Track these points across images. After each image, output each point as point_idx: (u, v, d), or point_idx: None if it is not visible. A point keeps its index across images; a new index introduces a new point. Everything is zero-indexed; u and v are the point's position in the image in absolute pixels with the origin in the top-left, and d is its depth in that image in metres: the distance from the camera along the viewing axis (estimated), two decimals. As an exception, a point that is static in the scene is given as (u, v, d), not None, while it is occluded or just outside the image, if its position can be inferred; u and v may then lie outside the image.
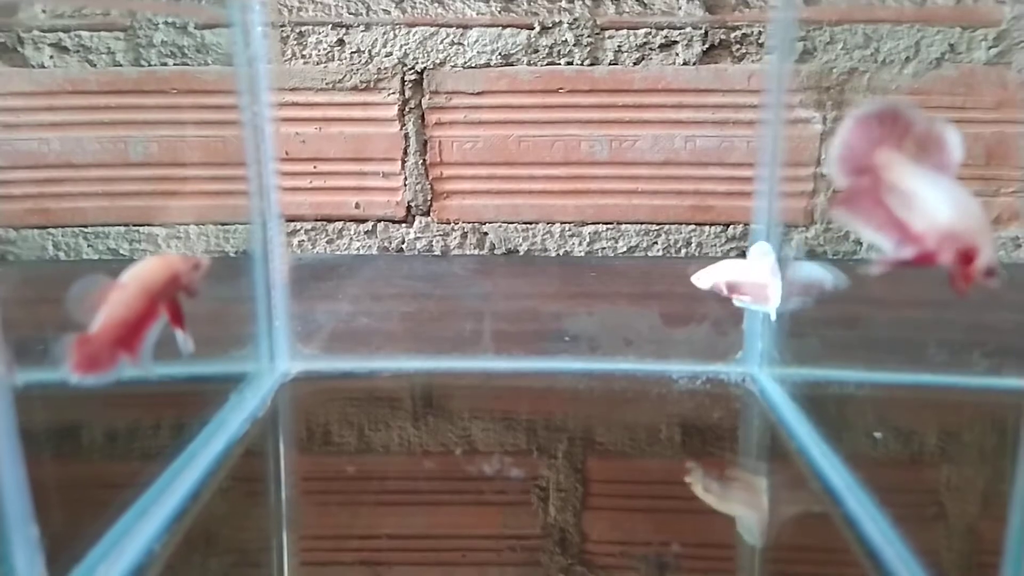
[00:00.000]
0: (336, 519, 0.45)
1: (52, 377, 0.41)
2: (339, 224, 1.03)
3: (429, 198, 1.01)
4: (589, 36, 0.96)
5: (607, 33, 0.96)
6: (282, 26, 0.97)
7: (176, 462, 0.46)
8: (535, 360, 0.65)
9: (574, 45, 0.97)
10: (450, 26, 0.97)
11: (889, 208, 0.34)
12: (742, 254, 1.00)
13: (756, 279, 0.55)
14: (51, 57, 0.97)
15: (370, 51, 0.98)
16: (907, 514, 0.42)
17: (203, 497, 0.44)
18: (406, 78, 0.98)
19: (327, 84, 0.98)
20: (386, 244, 1.03)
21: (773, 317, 0.56)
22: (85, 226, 1.02)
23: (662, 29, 0.96)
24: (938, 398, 0.57)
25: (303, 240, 1.03)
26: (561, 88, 0.98)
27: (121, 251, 1.03)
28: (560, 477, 0.47)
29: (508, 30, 0.97)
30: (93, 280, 0.38)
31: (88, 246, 1.02)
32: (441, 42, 0.97)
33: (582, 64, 0.97)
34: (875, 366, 0.57)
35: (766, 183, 0.57)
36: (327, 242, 1.04)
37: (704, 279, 0.57)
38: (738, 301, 0.56)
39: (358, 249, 1.04)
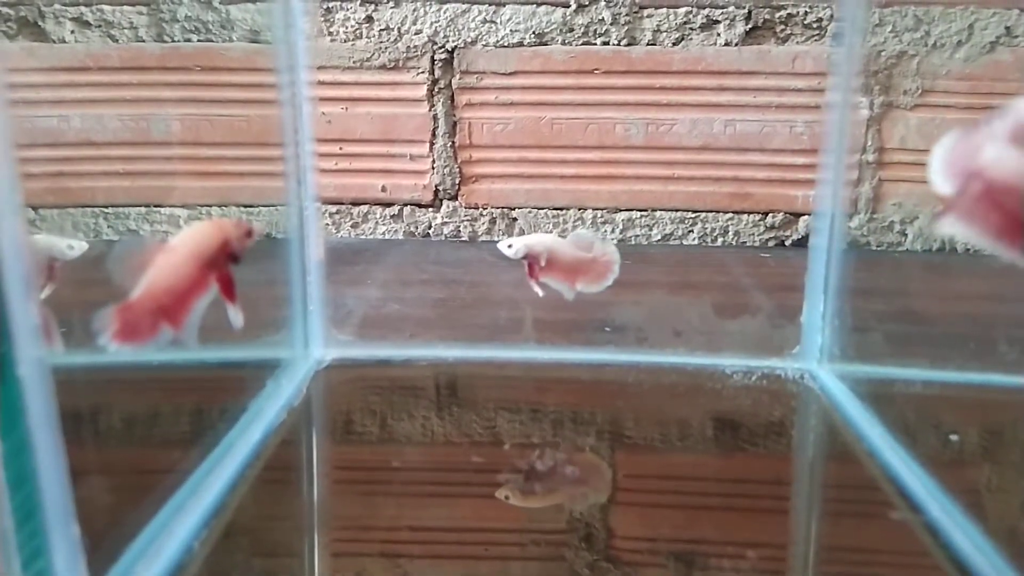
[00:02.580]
0: (375, 513, 0.43)
1: (77, 361, 0.39)
2: (364, 207, 1.01)
3: (457, 182, 0.99)
4: (627, 15, 0.93)
5: (645, 12, 0.93)
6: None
7: (214, 452, 0.44)
8: (579, 351, 0.62)
9: (611, 24, 0.93)
10: (483, 3, 0.94)
11: (1010, 211, 0.31)
12: (781, 243, 0.98)
13: (572, 259, 0.55)
14: (72, 32, 0.95)
15: (399, 28, 0.95)
16: (999, 523, 0.40)
17: (241, 490, 0.42)
18: (436, 57, 0.95)
19: (354, 62, 0.96)
20: (412, 229, 1.01)
21: (570, 297, 0.55)
22: (105, 206, 0.99)
23: (703, 8, 0.92)
24: (1014, 399, 0.55)
25: (327, 224, 1.01)
26: (596, 69, 0.94)
27: (141, 233, 1.01)
28: (620, 477, 0.45)
29: (543, 8, 0.93)
30: (137, 241, 0.36)
31: (108, 227, 1.00)
32: (473, 20, 0.94)
33: (619, 44, 0.94)
34: (945, 364, 0.54)
35: (832, 170, 0.54)
36: (352, 226, 1.01)
37: (517, 246, 0.55)
38: (545, 278, 0.55)
39: (383, 233, 1.01)
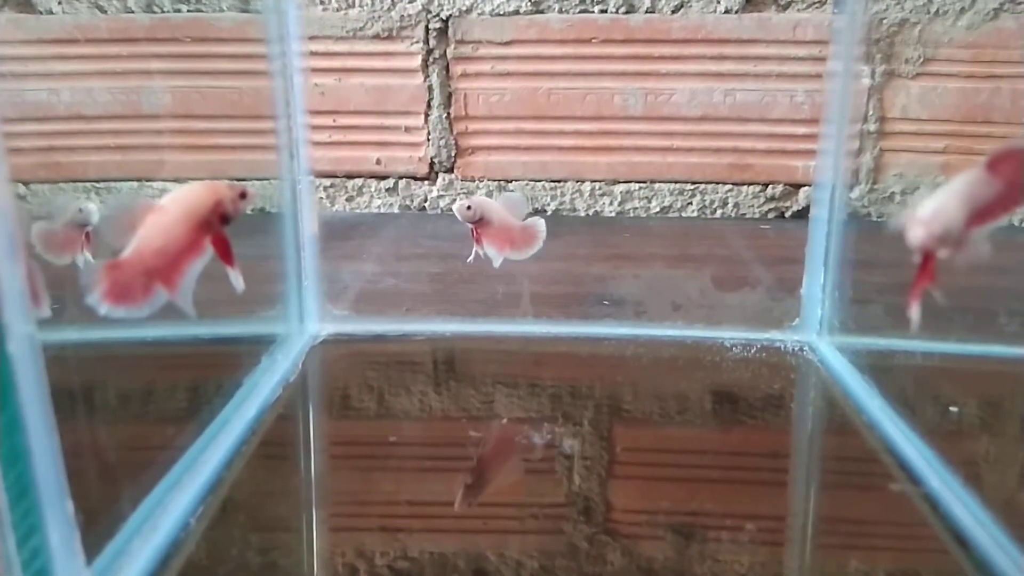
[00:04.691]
0: (371, 488, 0.43)
1: (69, 337, 0.38)
2: (359, 181, 1.00)
3: (453, 154, 0.97)
4: (625, -18, 0.91)
5: (644, -21, 0.91)
6: (301, -30, 0.92)
7: (210, 428, 0.44)
8: (577, 325, 0.62)
9: (609, -8, 0.92)
10: (478, -29, 0.92)
11: None
12: (781, 215, 0.97)
13: (508, 224, 0.54)
14: (60, 3, 0.93)
15: (393, -3, 0.93)
16: (998, 495, 0.40)
17: (237, 466, 0.42)
18: (430, 26, 0.93)
19: (347, 32, 0.94)
20: (408, 202, 1.00)
21: (496, 265, 0.54)
22: (96, 181, 0.98)
23: (703, -25, 0.91)
24: (1014, 371, 0.54)
25: (321, 198, 1.00)
26: (594, 38, 0.93)
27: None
28: (619, 451, 0.45)
29: (539, -25, 0.92)
30: (129, 201, 0.35)
31: (100, 202, 0.99)
32: (468, -12, 0.92)
33: (617, 12, 0.92)
34: (945, 336, 0.53)
35: (833, 141, 0.53)
36: (346, 199, 1.00)
37: (475, 207, 0.54)
38: (488, 246, 0.54)
39: (379, 207, 1.00)
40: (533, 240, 0.54)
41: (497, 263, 0.54)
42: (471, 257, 0.54)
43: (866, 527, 0.39)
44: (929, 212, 0.33)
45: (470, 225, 0.54)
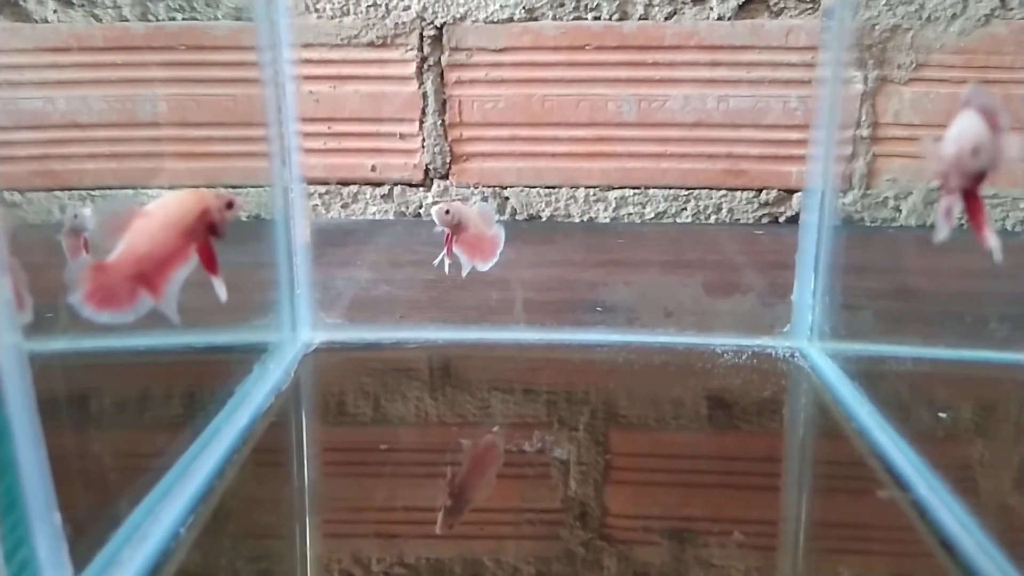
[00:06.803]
0: (362, 495, 0.43)
1: (60, 346, 0.39)
2: (354, 188, 1.00)
3: (448, 160, 0.98)
4: (618, -11, 0.92)
5: (637, -14, 0.92)
6: (295, -22, 0.93)
7: (201, 437, 0.44)
8: (570, 332, 0.62)
9: (602, -1, 0.92)
10: (471, -22, 0.92)
11: None
12: (775, 220, 0.97)
13: (480, 233, 0.53)
14: (55, 11, 0.93)
15: (387, 5, 0.93)
16: (986, 501, 0.40)
17: (229, 475, 0.42)
18: (425, 33, 0.94)
19: (342, 40, 0.94)
20: (403, 209, 1.00)
21: (464, 273, 0.54)
22: (92, 189, 0.98)
23: (696, -18, 0.91)
24: (1003, 376, 0.55)
25: (316, 204, 1.00)
26: (588, 44, 0.93)
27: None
28: (612, 456, 0.45)
29: (533, -17, 0.92)
30: (119, 204, 0.35)
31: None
32: (462, -5, 0.93)
33: (610, 19, 0.92)
34: (935, 341, 0.54)
35: (822, 146, 0.53)
36: (341, 206, 1.00)
37: (453, 212, 0.53)
38: (460, 253, 0.54)
39: (374, 214, 1.00)
40: (495, 250, 0.54)
41: (465, 271, 0.54)
42: (437, 261, 0.54)
43: (854, 532, 0.39)
44: (954, 131, 0.33)
45: (445, 230, 0.53)
